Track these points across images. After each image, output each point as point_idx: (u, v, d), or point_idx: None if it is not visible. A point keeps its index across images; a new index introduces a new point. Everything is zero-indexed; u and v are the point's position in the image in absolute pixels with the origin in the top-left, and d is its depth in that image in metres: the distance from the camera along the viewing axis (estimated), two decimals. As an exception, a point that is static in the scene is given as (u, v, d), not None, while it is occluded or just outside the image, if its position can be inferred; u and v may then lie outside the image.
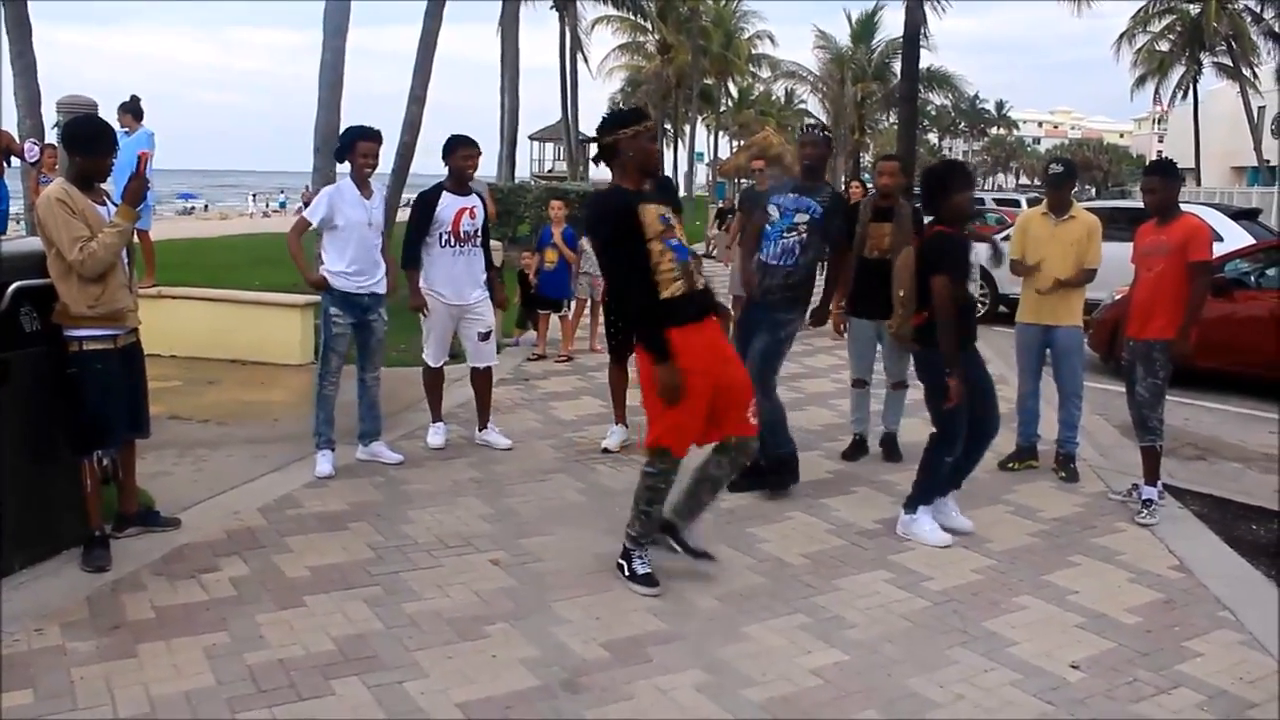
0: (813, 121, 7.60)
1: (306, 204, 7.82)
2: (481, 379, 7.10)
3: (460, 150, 6.73)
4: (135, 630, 4.12)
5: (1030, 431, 6.94)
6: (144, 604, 4.37)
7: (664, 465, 4.61)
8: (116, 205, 4.84)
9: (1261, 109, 47.83)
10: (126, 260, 4.95)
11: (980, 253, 7.00)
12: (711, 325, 4.66)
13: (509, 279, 9.73)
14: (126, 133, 9.47)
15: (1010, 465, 6.81)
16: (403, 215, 12.69)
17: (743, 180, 38.83)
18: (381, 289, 6.46)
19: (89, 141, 4.81)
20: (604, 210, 4.66)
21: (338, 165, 6.70)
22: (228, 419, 7.58)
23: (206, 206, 66.64)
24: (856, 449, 7.13)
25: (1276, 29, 42.91)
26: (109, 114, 8.12)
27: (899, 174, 7.18)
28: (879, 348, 7.10)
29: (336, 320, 6.29)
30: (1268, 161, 46.71)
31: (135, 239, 5.08)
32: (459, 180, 6.76)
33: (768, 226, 6.21)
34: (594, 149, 4.73)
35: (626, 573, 4.72)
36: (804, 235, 6.07)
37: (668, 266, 4.49)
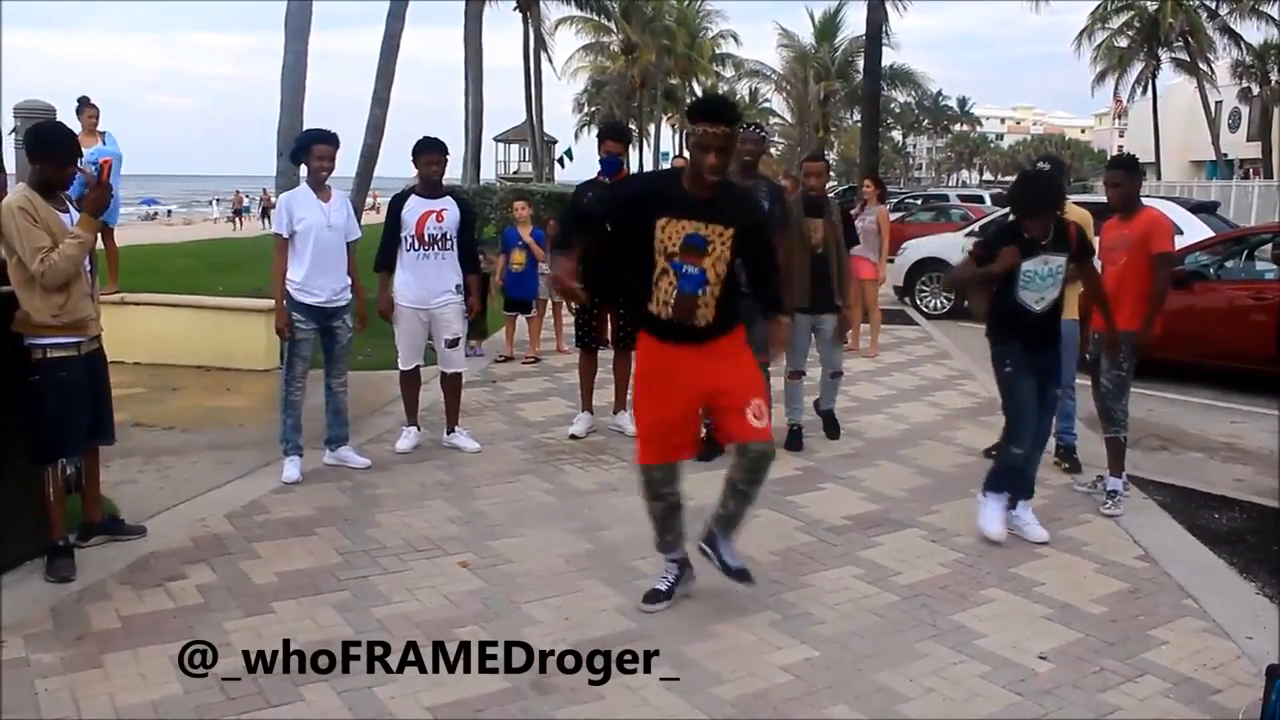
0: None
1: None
2: (450, 383, 7.09)
3: (423, 156, 6.74)
4: (101, 640, 4.08)
5: None
6: (110, 613, 4.33)
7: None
8: (79, 212, 4.79)
9: (1219, 104, 48.45)
10: (89, 267, 4.90)
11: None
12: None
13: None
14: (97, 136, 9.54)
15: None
16: (370, 218, 12.70)
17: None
18: (342, 302, 6.39)
19: (51, 148, 4.74)
20: None
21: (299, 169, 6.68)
22: (192, 425, 7.51)
23: (170, 212, 66.03)
24: (795, 438, 7.25)
25: (1231, 25, 43.51)
26: (65, 117, 8.05)
27: (825, 174, 7.44)
28: (813, 340, 7.32)
29: (300, 326, 6.24)
30: (1225, 155, 47.31)
31: (100, 244, 5.02)
32: (426, 184, 6.76)
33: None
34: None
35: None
36: None
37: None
